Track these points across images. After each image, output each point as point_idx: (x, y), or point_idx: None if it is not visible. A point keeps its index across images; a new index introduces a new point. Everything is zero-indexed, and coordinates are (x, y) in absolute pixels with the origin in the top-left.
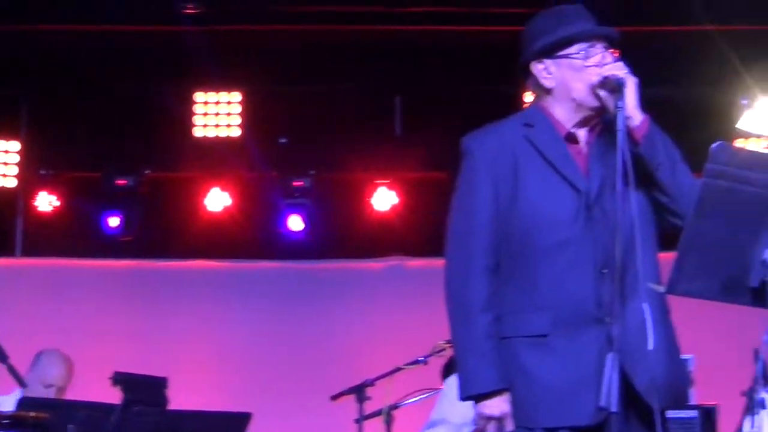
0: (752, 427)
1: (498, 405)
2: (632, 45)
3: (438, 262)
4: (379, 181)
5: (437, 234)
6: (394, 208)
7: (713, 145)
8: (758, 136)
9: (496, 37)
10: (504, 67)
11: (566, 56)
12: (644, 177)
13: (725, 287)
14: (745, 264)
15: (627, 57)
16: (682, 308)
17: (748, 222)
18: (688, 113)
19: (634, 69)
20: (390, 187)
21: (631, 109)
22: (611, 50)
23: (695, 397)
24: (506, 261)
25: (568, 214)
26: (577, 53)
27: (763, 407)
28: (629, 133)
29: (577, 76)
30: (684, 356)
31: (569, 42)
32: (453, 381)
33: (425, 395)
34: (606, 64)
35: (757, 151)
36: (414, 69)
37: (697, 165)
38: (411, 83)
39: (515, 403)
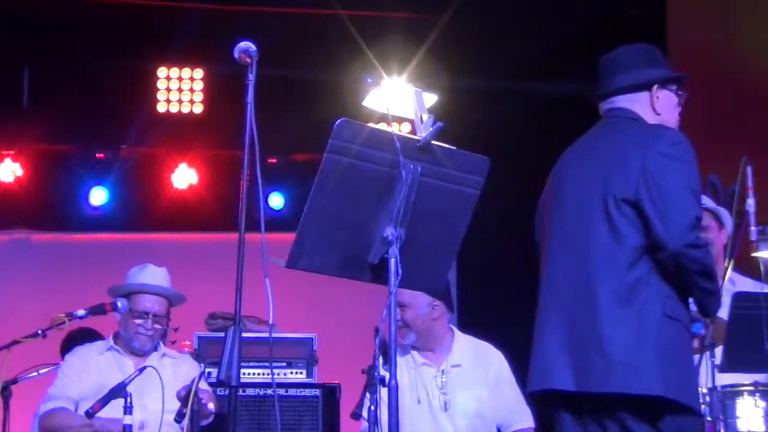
0: (372, 403)
1: None
2: (262, 26)
3: (64, 237)
4: (4, 152)
5: (61, 207)
6: (18, 180)
7: (337, 122)
8: (383, 115)
9: (129, 11)
10: (134, 41)
11: (675, 92)
12: None
13: (346, 263)
14: (365, 241)
15: (255, 37)
16: (306, 288)
17: (370, 199)
18: (316, 93)
19: (264, 50)
20: (15, 159)
21: None
22: None
23: (318, 375)
24: None
25: None
26: (678, 93)
27: (383, 384)
28: None
29: (674, 111)
30: (307, 335)
31: (676, 81)
32: (70, 357)
33: (45, 370)
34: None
35: (379, 129)
36: (42, 40)
37: (322, 143)
38: (38, 55)
39: None
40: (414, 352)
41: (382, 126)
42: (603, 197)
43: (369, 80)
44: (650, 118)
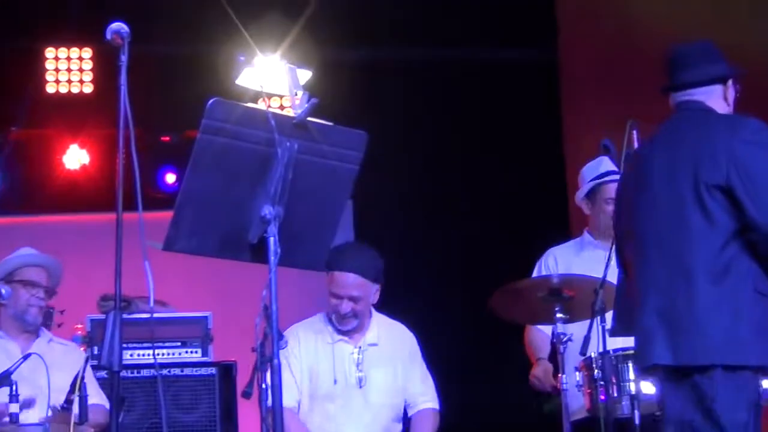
0: (263, 381)
1: None
2: (149, 3)
3: None
4: None
5: None
6: None
7: (209, 102)
8: (256, 94)
9: None
10: (19, 21)
11: (734, 86)
12: None
13: (224, 244)
14: (244, 220)
15: (142, 15)
16: (200, 267)
17: (247, 178)
18: (188, 70)
19: (158, 28)
20: None
21: None
22: None
23: (214, 353)
24: None
25: None
26: (736, 88)
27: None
28: None
29: (732, 103)
30: (201, 313)
31: (735, 78)
32: None
33: None
34: None
35: (253, 108)
36: None
37: (195, 121)
38: None
39: None
40: (330, 328)
41: (260, 104)
42: (694, 184)
43: (242, 57)
44: (721, 110)
